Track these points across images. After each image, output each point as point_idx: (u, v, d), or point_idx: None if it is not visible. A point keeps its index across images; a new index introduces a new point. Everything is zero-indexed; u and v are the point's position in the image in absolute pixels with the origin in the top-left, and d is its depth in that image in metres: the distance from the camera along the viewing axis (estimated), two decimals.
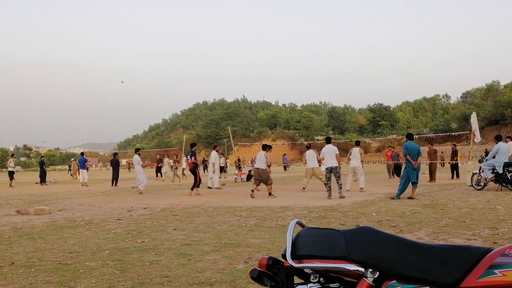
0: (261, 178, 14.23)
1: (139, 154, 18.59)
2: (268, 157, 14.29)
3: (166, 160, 30.45)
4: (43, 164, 29.16)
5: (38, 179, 28.21)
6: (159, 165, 32.54)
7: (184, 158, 16.17)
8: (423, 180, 18.94)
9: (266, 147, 14.78)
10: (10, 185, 25.41)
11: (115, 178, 23.31)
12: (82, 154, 28.16)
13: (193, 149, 16.82)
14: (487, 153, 24.72)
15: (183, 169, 29.13)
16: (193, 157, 16.50)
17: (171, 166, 28.20)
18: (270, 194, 13.93)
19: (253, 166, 19.08)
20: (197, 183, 15.68)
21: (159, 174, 31.47)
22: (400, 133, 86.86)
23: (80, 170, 25.55)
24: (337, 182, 13.13)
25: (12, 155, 29.01)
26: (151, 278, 4.73)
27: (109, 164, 28.81)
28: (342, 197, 12.76)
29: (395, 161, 22.11)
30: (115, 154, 26.69)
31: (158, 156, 34.97)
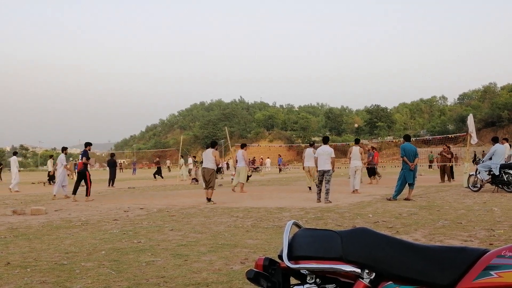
0: (205, 178, 12.85)
1: (65, 154, 16.98)
2: (216, 155, 13.09)
3: (182, 160, 30.60)
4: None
5: (40, 179, 28.40)
6: (158, 166, 32.79)
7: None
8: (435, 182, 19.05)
9: (214, 145, 13.58)
10: (50, 183, 25.85)
11: (112, 178, 23.42)
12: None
13: (87, 149, 15.30)
14: (475, 155, 24.70)
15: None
16: (84, 158, 14.99)
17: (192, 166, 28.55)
18: (209, 200, 12.66)
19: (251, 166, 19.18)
20: (90, 187, 14.72)
21: (157, 175, 31.72)
22: (397, 134, 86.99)
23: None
24: (325, 186, 12.43)
25: (50, 156, 30.47)
26: (147, 278, 4.73)
27: (106, 165, 29.00)
28: (328, 202, 12.11)
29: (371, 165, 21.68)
30: (112, 155, 26.71)
31: (155, 158, 35.29)
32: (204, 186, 13.03)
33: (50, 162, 28.12)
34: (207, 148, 19.67)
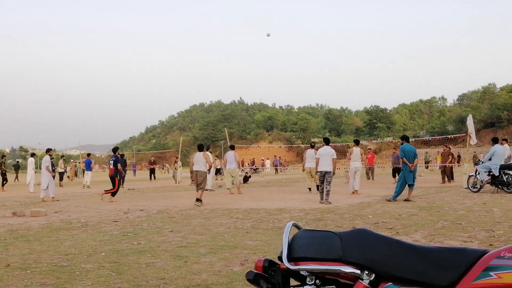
0: (197, 181, 12.91)
1: (50, 155, 16.78)
2: (207, 158, 13.21)
3: (180, 163, 30.58)
4: (53, 165, 29.46)
5: (39, 181, 28.32)
6: (152, 167, 32.87)
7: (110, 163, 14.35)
8: (434, 182, 19.06)
9: (202, 148, 13.70)
10: (60, 185, 26.05)
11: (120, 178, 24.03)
12: (88, 155, 28.02)
13: (116, 154, 15.49)
14: (459, 156, 24.64)
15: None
16: (118, 164, 15.13)
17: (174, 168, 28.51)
18: (197, 200, 12.61)
19: (251, 168, 19.37)
20: (114, 190, 14.88)
21: (152, 176, 31.78)
22: (396, 135, 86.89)
23: (86, 172, 25.46)
24: (326, 187, 12.48)
25: (61, 157, 31.21)
26: (147, 280, 4.72)
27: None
28: (328, 203, 12.16)
29: (396, 165, 21.96)
30: (121, 156, 27.05)
31: (152, 159, 35.38)
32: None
33: (61, 162, 28.66)
34: (207, 149, 19.90)
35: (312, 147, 16.56)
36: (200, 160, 13.07)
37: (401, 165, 21.28)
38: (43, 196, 15.72)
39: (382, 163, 45.93)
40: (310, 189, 16.20)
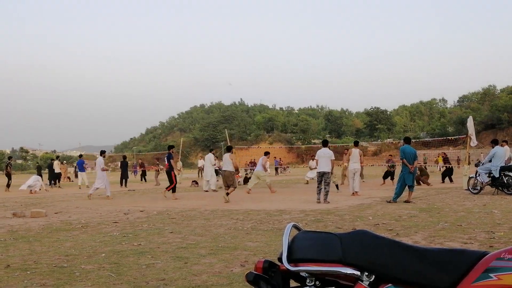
0: (226, 180, 14.44)
1: (103, 157, 17.49)
2: (233, 159, 14.72)
3: (180, 163, 30.59)
4: (52, 166, 29.48)
5: (48, 182, 28.22)
6: (143, 169, 32.56)
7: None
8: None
9: (230, 149, 15.06)
10: (58, 186, 26.74)
11: (124, 179, 24.66)
12: (80, 156, 28.03)
13: (170, 151, 16.50)
14: (445, 157, 24.83)
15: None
16: (171, 160, 16.22)
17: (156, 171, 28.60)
18: (227, 194, 13.76)
19: (251, 169, 19.77)
20: (173, 186, 15.61)
21: (143, 178, 31.46)
22: (397, 137, 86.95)
23: (79, 172, 25.64)
24: (325, 188, 12.82)
25: (57, 157, 32.70)
26: (147, 281, 4.73)
27: (119, 166, 29.02)
28: (327, 202, 12.56)
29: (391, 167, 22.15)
30: (124, 157, 27.15)
31: (139, 161, 35.27)
32: (205, 189, 13.61)
33: (57, 163, 28.80)
34: (210, 151, 20.68)
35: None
36: (227, 161, 14.55)
37: (389, 167, 21.84)
38: (92, 192, 16.67)
39: (381, 165, 45.87)
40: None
